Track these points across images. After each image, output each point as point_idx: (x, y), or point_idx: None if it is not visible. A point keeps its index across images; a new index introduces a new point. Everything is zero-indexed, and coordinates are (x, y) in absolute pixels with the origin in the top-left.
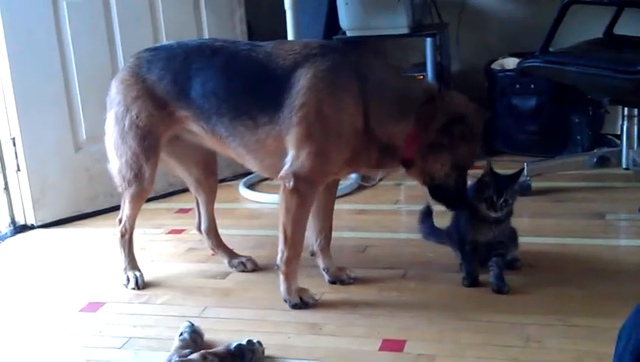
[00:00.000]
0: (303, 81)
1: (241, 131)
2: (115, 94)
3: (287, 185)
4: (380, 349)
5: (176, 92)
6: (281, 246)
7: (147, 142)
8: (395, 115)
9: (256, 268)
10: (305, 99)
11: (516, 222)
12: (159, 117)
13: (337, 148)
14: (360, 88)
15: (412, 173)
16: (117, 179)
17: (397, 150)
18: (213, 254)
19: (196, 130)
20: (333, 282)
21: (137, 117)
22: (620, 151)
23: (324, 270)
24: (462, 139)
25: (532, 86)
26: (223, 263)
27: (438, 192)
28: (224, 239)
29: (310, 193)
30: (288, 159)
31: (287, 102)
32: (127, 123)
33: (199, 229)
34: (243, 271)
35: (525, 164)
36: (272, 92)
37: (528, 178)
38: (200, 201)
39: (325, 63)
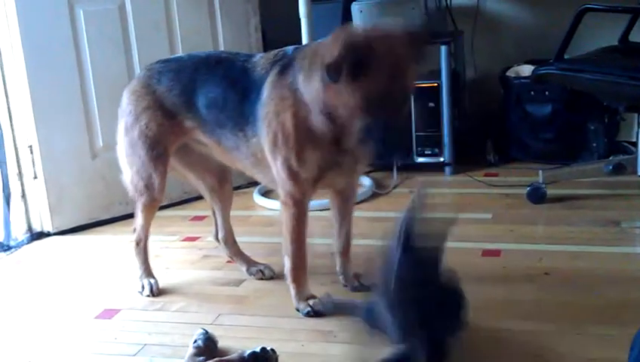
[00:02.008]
0: (265, 91)
1: (240, 144)
2: (126, 105)
3: (280, 198)
4: None
5: (184, 102)
6: (285, 256)
7: (155, 152)
8: (310, 76)
9: (274, 276)
10: (267, 109)
11: (532, 229)
12: (168, 127)
13: (302, 150)
14: (294, 78)
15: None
16: (129, 189)
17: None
18: (229, 261)
19: (205, 142)
20: (346, 286)
21: (147, 126)
22: (636, 158)
23: (339, 273)
24: (350, 67)
25: (547, 93)
26: (237, 271)
27: (361, 142)
28: (239, 246)
29: (297, 206)
30: (274, 173)
31: (259, 114)
32: (136, 132)
33: (217, 238)
34: (261, 278)
35: (541, 171)
36: (251, 104)
37: (544, 185)
38: (216, 210)
39: (277, 69)
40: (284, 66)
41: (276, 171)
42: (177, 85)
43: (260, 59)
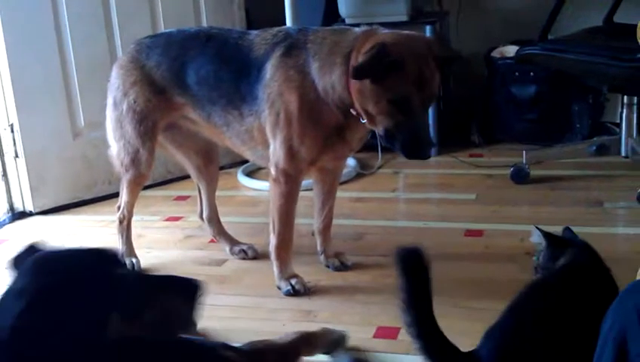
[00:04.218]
0: (268, 71)
1: (231, 121)
2: (115, 79)
3: (271, 175)
4: (375, 336)
5: (173, 78)
6: (271, 234)
7: (143, 127)
8: (330, 66)
9: (257, 256)
10: (270, 90)
11: (515, 210)
12: (157, 102)
13: (305, 132)
14: (305, 62)
15: (369, 123)
16: (115, 165)
17: (350, 104)
18: (211, 241)
19: (195, 118)
20: (327, 266)
21: (135, 102)
22: (619, 139)
23: (320, 252)
24: (384, 68)
25: (531, 74)
26: (219, 250)
27: (387, 138)
28: (223, 226)
29: (290, 183)
30: (270, 150)
31: (261, 93)
32: (124, 107)
33: (201, 217)
34: (244, 258)
35: (524, 152)
36: (250, 83)
37: (527, 166)
38: (202, 189)
39: (281, 50)
40: (290, 47)
41: (273, 148)
42: (166, 60)
43: (257, 38)
